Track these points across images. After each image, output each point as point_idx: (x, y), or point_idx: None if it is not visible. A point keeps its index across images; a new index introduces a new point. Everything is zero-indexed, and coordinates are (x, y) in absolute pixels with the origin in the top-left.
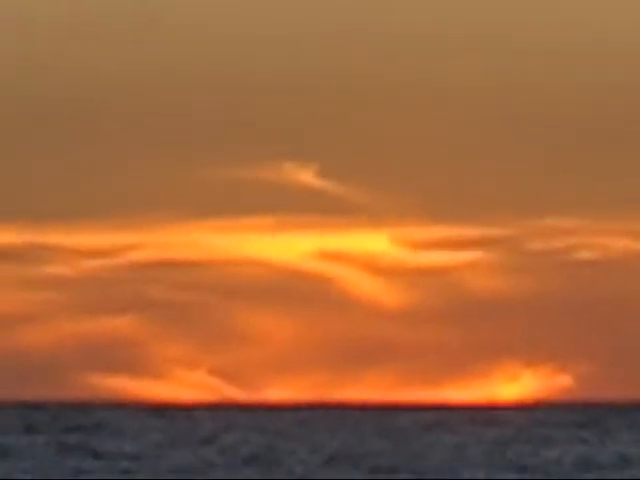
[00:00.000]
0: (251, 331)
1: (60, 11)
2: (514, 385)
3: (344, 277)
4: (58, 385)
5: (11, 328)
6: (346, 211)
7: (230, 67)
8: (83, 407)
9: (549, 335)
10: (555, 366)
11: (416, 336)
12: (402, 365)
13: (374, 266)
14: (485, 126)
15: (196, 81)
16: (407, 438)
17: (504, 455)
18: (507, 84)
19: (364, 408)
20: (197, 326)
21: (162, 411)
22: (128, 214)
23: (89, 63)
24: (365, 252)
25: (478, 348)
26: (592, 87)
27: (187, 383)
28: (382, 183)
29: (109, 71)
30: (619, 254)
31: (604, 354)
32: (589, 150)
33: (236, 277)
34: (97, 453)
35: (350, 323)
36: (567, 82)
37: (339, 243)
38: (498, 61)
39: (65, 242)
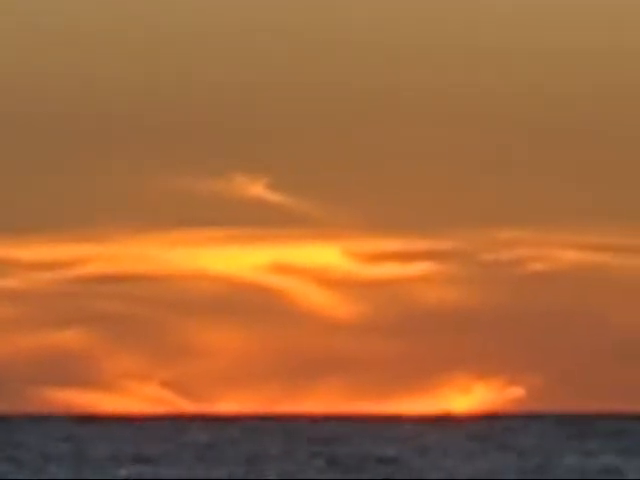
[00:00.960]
0: (203, 344)
1: None
2: (466, 397)
3: (295, 290)
4: (8, 398)
5: None
6: (297, 224)
7: (182, 77)
8: (34, 419)
9: (500, 347)
10: (506, 378)
11: (367, 348)
12: (353, 377)
13: (325, 278)
14: (434, 136)
15: (148, 88)
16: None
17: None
18: (457, 92)
19: (315, 420)
20: (149, 339)
21: (115, 423)
22: (78, 226)
23: (35, 70)
24: (316, 265)
25: (429, 360)
26: (542, 94)
27: (139, 396)
28: (333, 196)
29: (59, 78)
30: (568, 266)
31: (554, 366)
32: (539, 161)
33: (187, 290)
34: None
35: (301, 335)
36: (518, 89)
37: (290, 256)
38: (446, 71)
39: (14, 255)
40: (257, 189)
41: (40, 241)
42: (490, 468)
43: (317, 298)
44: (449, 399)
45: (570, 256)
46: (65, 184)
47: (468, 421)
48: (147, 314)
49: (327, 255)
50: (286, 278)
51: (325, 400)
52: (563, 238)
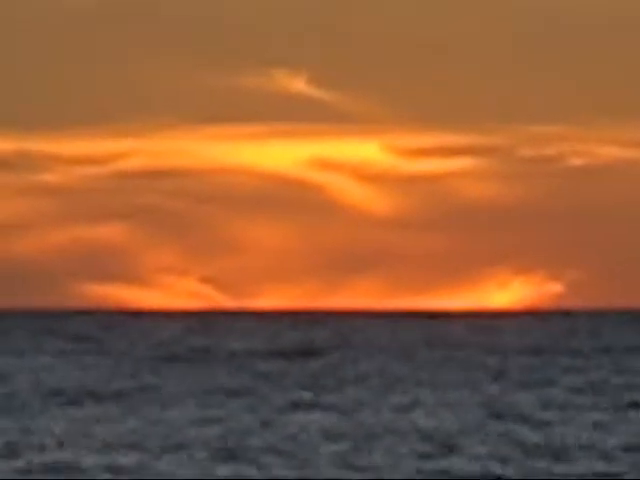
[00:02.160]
0: (242, 239)
1: None
2: (505, 292)
3: (335, 185)
4: (49, 293)
5: (2, 236)
6: (338, 119)
7: None
8: (73, 314)
9: (540, 242)
10: (546, 274)
11: (406, 243)
12: (392, 272)
13: (365, 174)
14: (477, 33)
15: None
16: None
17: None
18: None
19: (353, 315)
20: (188, 234)
21: (152, 318)
22: (119, 121)
23: None
24: (356, 160)
25: (469, 255)
26: None
27: (177, 291)
28: (374, 91)
29: None
30: (608, 161)
31: (594, 261)
32: (579, 57)
33: (227, 185)
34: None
35: (341, 230)
36: None
37: (330, 151)
38: None
39: (57, 150)
40: (298, 84)
41: (81, 136)
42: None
43: (357, 193)
44: (488, 294)
45: (610, 151)
46: (107, 79)
47: (507, 316)
48: (187, 209)
49: (367, 150)
50: (326, 173)
51: (365, 295)
52: (603, 134)
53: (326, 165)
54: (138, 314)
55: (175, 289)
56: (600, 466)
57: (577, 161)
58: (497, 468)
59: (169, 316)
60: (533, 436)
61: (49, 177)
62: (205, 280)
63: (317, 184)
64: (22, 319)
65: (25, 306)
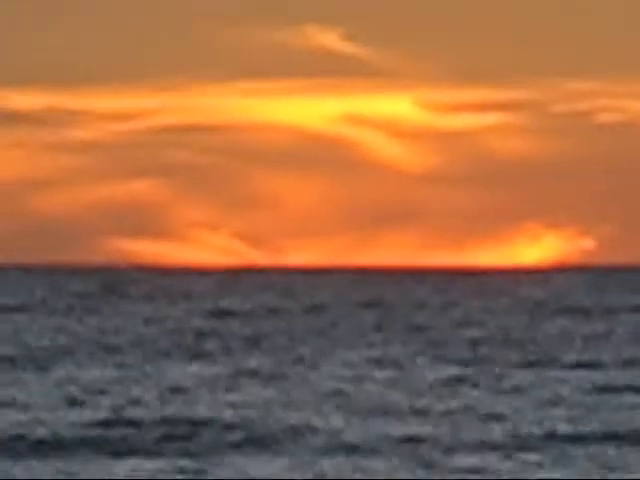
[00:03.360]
0: (273, 195)
1: None
2: (536, 247)
3: (367, 141)
4: (82, 249)
5: (34, 193)
6: (370, 74)
7: None
8: (107, 270)
9: (572, 198)
10: (578, 229)
11: (439, 199)
12: (425, 228)
13: (397, 130)
14: None
15: None
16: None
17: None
18: None
19: (387, 271)
20: (219, 190)
21: (184, 274)
22: (148, 78)
23: None
24: (388, 116)
25: (501, 211)
26: None
27: (209, 246)
28: (406, 46)
29: None
30: (639, 116)
31: (626, 217)
32: (611, 14)
33: (259, 141)
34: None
35: (373, 187)
36: None
37: (362, 107)
38: None
39: (87, 106)
40: (330, 39)
41: (111, 93)
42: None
43: (389, 149)
44: (521, 249)
45: None
46: (136, 37)
47: (538, 272)
48: (218, 164)
49: (399, 106)
50: (358, 129)
51: (398, 251)
52: (634, 89)
53: (358, 121)
54: (171, 269)
55: (207, 244)
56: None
57: (609, 117)
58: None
59: (202, 271)
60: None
61: (80, 133)
62: (237, 235)
63: (350, 140)
64: (55, 275)
65: (59, 261)
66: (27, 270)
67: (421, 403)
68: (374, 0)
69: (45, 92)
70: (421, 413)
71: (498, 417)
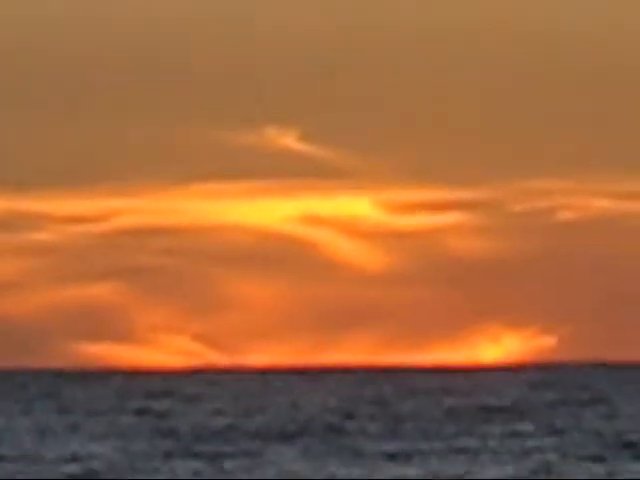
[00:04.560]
0: (234, 297)
1: None
2: (497, 347)
3: (326, 241)
4: (41, 353)
5: None
6: (328, 175)
7: (214, 28)
8: (66, 374)
9: (531, 297)
10: (538, 327)
11: (399, 299)
12: (385, 328)
13: (355, 229)
14: (466, 88)
15: (178, 42)
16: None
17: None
18: (488, 32)
19: (348, 371)
20: (180, 292)
21: (145, 376)
22: (110, 180)
23: (64, 29)
24: (346, 216)
25: (461, 310)
26: (569, 37)
27: (171, 349)
28: (364, 147)
29: (89, 27)
30: (599, 214)
31: (586, 314)
32: (569, 112)
33: (219, 243)
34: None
35: (333, 287)
36: (560, 31)
37: (321, 207)
38: (483, 9)
39: (48, 209)
40: (288, 140)
41: (72, 195)
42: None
43: (347, 249)
44: (480, 349)
45: (601, 204)
46: (97, 138)
47: (498, 370)
48: (179, 267)
49: (357, 206)
50: (317, 229)
51: (356, 351)
52: (593, 187)
53: (316, 221)
54: (132, 373)
55: (169, 347)
56: None
57: (568, 215)
58: None
59: (162, 374)
60: None
61: (40, 236)
62: (199, 338)
63: (309, 240)
64: (12, 379)
65: (16, 366)
66: None
67: None
68: (331, 100)
69: (4, 195)
70: None
71: None
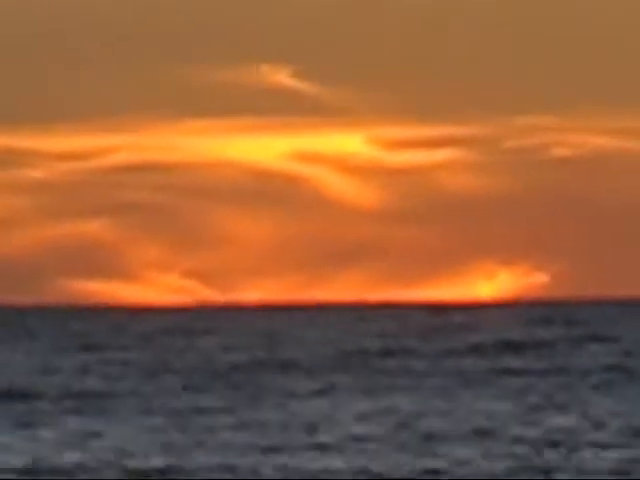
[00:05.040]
0: (228, 233)
1: None
2: (491, 283)
3: (319, 178)
4: (33, 290)
5: None
6: (321, 112)
7: None
8: (56, 311)
9: (525, 233)
10: (531, 264)
11: (393, 236)
12: (378, 265)
13: (349, 166)
14: (462, 25)
15: None
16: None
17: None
18: None
19: (342, 308)
20: (171, 229)
21: (137, 313)
22: (103, 116)
23: None
24: (340, 152)
25: (454, 247)
26: None
27: (162, 285)
28: (357, 84)
29: None
30: (592, 151)
31: (579, 251)
32: (562, 48)
33: (212, 179)
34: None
35: (327, 224)
36: None
37: (315, 144)
38: None
39: (39, 145)
40: (281, 77)
41: (65, 131)
42: None
43: (341, 186)
44: (475, 285)
45: (594, 141)
46: (92, 74)
47: (493, 307)
48: (171, 203)
49: (350, 143)
50: (310, 166)
51: (350, 288)
52: (587, 123)
53: (310, 158)
54: (123, 309)
55: (161, 284)
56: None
57: (561, 151)
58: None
59: (155, 311)
60: None
61: (33, 173)
62: (190, 274)
63: (301, 177)
64: (6, 315)
65: (9, 302)
66: None
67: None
68: (325, 37)
69: None
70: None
71: None
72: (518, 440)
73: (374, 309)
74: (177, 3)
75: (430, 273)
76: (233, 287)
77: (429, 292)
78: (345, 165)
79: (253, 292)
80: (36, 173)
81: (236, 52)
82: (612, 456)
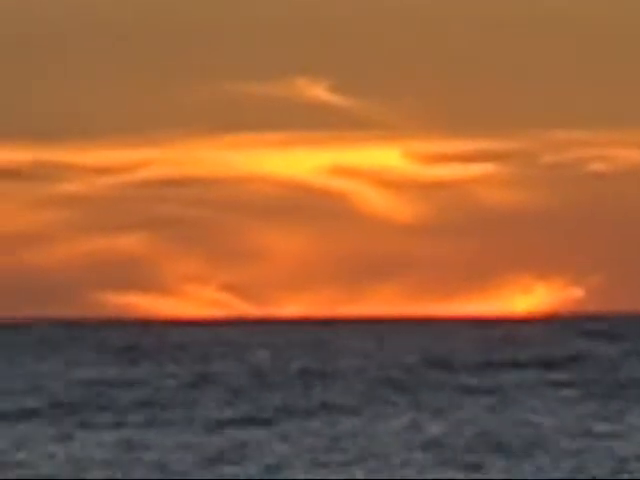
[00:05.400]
0: (263, 247)
1: None
2: (527, 297)
3: (356, 192)
4: (70, 303)
5: (22, 247)
6: (358, 126)
7: None
8: (96, 324)
9: (562, 247)
10: (568, 278)
11: (429, 250)
12: (415, 279)
13: (386, 180)
14: (498, 39)
15: None
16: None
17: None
18: None
19: (378, 322)
20: (209, 243)
21: (174, 327)
22: (140, 131)
23: None
24: (377, 167)
25: (491, 261)
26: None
27: (199, 299)
28: (394, 98)
29: None
30: (629, 166)
31: (616, 265)
32: (601, 61)
33: (248, 193)
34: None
35: (362, 238)
36: None
37: (351, 158)
38: None
39: (76, 159)
40: (318, 91)
41: (100, 146)
42: None
43: (378, 200)
44: (511, 300)
45: (631, 156)
46: (129, 90)
47: (529, 322)
48: (208, 218)
49: (388, 157)
50: (347, 181)
51: (387, 302)
52: (624, 138)
53: (347, 172)
54: (161, 323)
55: (197, 298)
56: None
57: (598, 166)
58: None
59: (191, 324)
60: None
61: (67, 187)
62: (227, 288)
63: (338, 191)
64: (45, 330)
65: (48, 316)
66: (16, 325)
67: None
68: (362, 51)
69: (31, 147)
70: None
71: None
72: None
73: (410, 323)
74: (213, 19)
75: (466, 287)
76: (269, 301)
77: (465, 306)
78: (381, 179)
79: (289, 306)
80: (73, 187)
81: (272, 66)
82: None
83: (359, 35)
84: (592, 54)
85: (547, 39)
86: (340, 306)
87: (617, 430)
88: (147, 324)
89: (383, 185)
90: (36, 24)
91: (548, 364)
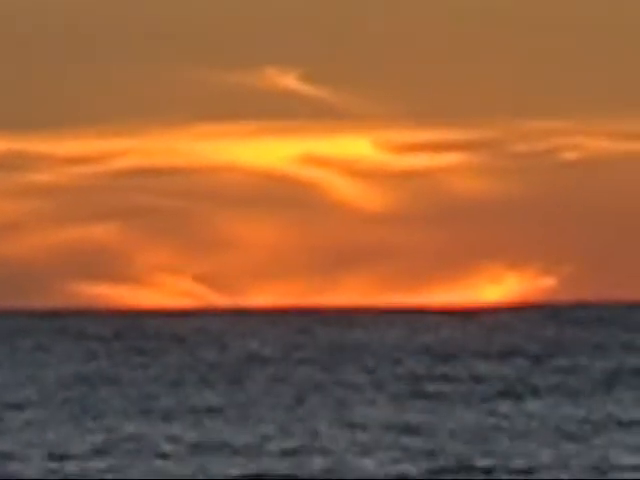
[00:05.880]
0: (235, 237)
1: None
2: (498, 286)
3: (327, 181)
4: (43, 293)
5: None
6: (329, 115)
7: None
8: (66, 314)
9: (532, 236)
10: (539, 267)
11: (400, 239)
12: (385, 268)
13: (356, 170)
14: (470, 28)
15: None
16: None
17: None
18: None
19: (347, 312)
20: (180, 233)
21: (145, 317)
22: (112, 121)
23: None
24: (347, 156)
25: (461, 250)
26: None
27: (172, 289)
28: (365, 87)
29: None
30: (600, 155)
31: (587, 255)
32: (571, 51)
33: (219, 183)
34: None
35: (334, 227)
36: None
37: (322, 148)
38: None
39: (50, 149)
40: (288, 80)
41: (72, 136)
42: None
43: (349, 190)
44: (482, 289)
45: (602, 145)
46: (99, 79)
47: (499, 311)
48: (179, 207)
49: (358, 146)
50: (318, 170)
51: (357, 291)
52: (595, 127)
53: (318, 162)
54: (132, 313)
55: (169, 288)
56: None
57: (569, 155)
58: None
59: (163, 315)
60: None
61: (41, 177)
62: (198, 278)
63: (309, 181)
64: (15, 319)
65: (19, 307)
66: None
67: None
68: (331, 41)
69: (5, 137)
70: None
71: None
72: None
73: (381, 312)
74: (184, 8)
75: (437, 276)
76: (241, 291)
77: (436, 295)
78: (352, 168)
79: (261, 296)
80: (47, 177)
81: (242, 56)
82: None
83: (329, 25)
84: (562, 43)
85: (514, 28)
86: (312, 296)
87: (587, 420)
88: (120, 314)
89: (354, 174)
90: (6, 15)
91: (517, 353)
